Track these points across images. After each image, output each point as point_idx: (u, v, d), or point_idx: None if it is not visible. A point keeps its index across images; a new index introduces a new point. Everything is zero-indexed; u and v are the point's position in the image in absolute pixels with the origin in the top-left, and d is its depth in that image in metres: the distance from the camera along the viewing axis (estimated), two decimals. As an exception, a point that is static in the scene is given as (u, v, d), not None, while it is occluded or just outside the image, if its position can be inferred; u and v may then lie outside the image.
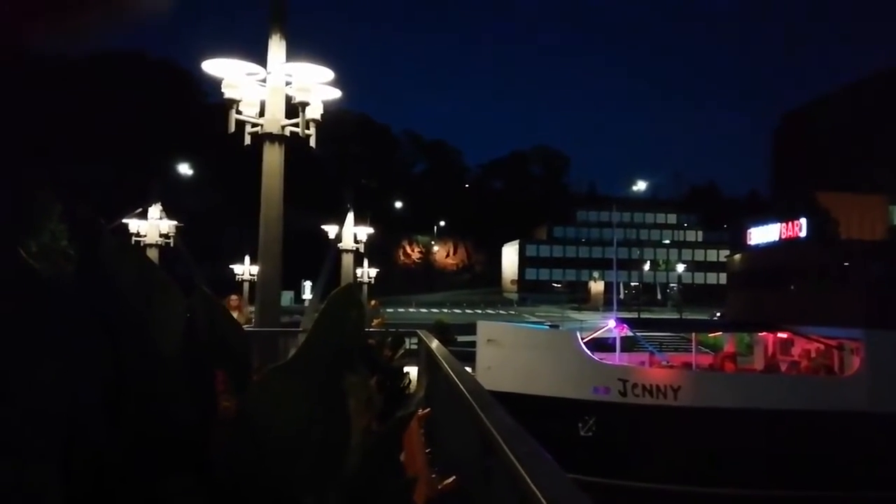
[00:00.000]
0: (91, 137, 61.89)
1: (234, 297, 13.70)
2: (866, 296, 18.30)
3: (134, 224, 18.42)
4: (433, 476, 2.83)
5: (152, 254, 17.50)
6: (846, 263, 19.37)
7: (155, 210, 18.39)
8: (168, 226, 18.68)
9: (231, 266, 34.80)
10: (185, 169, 40.91)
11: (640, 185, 77.46)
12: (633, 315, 51.43)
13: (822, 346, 19.26)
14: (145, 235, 18.21)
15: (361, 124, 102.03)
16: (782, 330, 20.07)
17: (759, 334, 22.01)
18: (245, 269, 33.40)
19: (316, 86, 7.72)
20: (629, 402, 17.27)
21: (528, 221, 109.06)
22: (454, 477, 2.71)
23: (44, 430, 0.93)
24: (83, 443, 0.95)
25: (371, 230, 21.67)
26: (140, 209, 18.32)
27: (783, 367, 20.36)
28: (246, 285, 33.07)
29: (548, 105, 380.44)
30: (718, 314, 39.73)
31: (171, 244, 18.58)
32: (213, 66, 7.58)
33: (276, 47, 7.91)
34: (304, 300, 51.12)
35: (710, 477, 16.23)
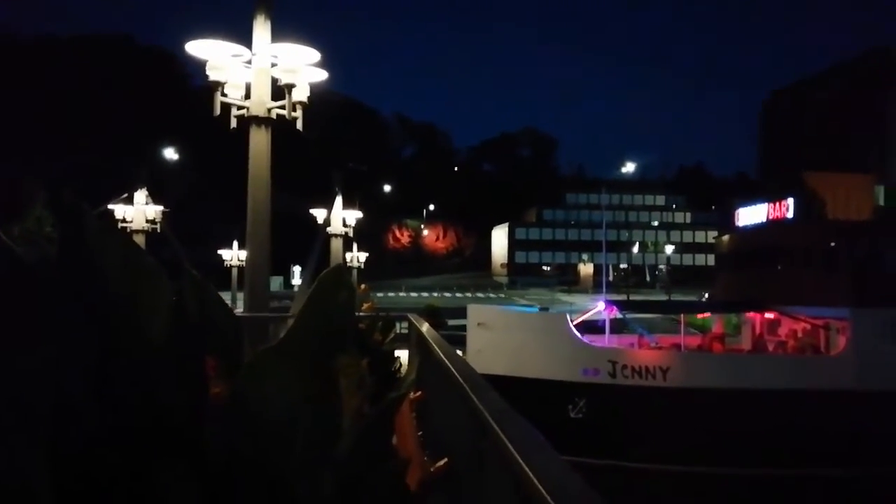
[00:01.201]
0: (77, 122, 61.10)
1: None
2: (852, 275, 18.49)
3: (120, 209, 18.26)
4: (425, 459, 2.84)
5: (139, 239, 17.37)
6: (832, 243, 19.53)
7: (141, 195, 18.24)
8: (154, 211, 18.54)
9: (219, 251, 34.62)
10: (171, 153, 40.52)
11: (629, 167, 77.66)
12: (623, 297, 51.71)
13: (808, 326, 19.47)
14: (132, 221, 18.06)
15: (349, 107, 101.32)
16: (769, 310, 20.25)
17: (747, 315, 22.21)
18: (233, 255, 33.25)
19: (302, 67, 7.63)
20: (619, 383, 17.41)
21: (518, 204, 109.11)
22: (446, 459, 2.71)
23: (30, 416, 0.91)
24: (70, 429, 0.93)
25: (360, 214, 21.57)
26: (126, 194, 18.16)
27: (770, 347, 20.58)
28: (234, 270, 32.95)
29: (536, 87, 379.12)
30: (707, 295, 40.03)
31: (158, 229, 18.45)
32: (196, 48, 7.47)
33: (262, 28, 7.80)
34: (294, 285, 51.01)
35: (700, 457, 16.44)
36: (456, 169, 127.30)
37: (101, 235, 1.01)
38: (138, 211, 18.18)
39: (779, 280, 20.36)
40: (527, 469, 1.44)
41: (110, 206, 17.87)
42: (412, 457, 2.78)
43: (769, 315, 20.87)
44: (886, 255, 19.14)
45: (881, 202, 22.82)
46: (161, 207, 18.78)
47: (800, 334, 20.06)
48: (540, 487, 1.32)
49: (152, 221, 18.42)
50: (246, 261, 8.79)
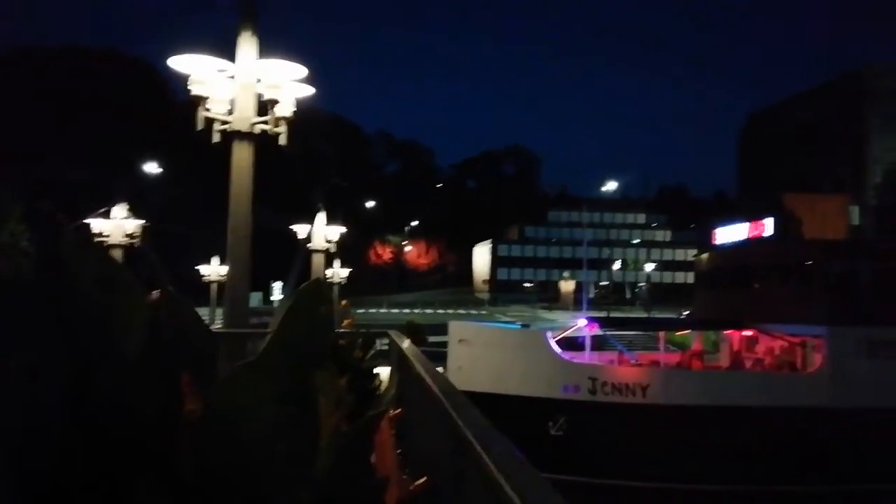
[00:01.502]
0: (57, 134, 60.46)
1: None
2: (828, 294, 18.75)
3: (98, 223, 18.02)
4: (404, 477, 2.82)
5: (116, 254, 17.15)
6: (809, 262, 19.81)
7: (120, 209, 18.02)
8: (134, 225, 18.31)
9: (199, 266, 34.26)
10: (152, 167, 40.20)
11: (611, 186, 78.27)
12: (603, 314, 51.93)
13: (785, 344, 19.67)
14: (109, 235, 17.82)
15: (333, 123, 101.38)
16: (748, 328, 20.45)
17: (726, 332, 22.40)
18: (213, 270, 32.90)
19: (287, 83, 7.63)
20: (599, 400, 17.43)
21: (501, 221, 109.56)
22: (425, 478, 2.69)
23: (1, 430, 0.89)
24: (43, 443, 0.92)
25: (342, 230, 21.51)
26: (105, 208, 17.94)
27: (748, 365, 20.75)
28: (214, 286, 32.60)
29: (520, 105, 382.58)
30: (686, 313, 40.35)
31: (137, 244, 18.22)
32: (179, 62, 7.45)
33: (247, 44, 7.80)
34: (274, 301, 50.60)
35: (679, 473, 16.46)
36: (439, 186, 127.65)
37: (78, 249, 1.00)
38: (117, 225, 17.95)
39: (757, 298, 20.58)
40: (507, 488, 1.42)
41: (88, 220, 17.65)
42: (391, 475, 2.76)
43: (747, 332, 21.07)
44: (861, 273, 19.46)
45: (856, 222, 23.25)
46: (141, 221, 18.56)
47: (777, 352, 20.27)
48: (520, 506, 1.31)
49: (131, 236, 18.19)
50: (226, 276, 8.72)
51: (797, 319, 18.74)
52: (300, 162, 79.13)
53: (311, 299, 1.03)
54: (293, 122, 7.96)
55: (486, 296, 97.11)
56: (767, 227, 22.26)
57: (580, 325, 21.13)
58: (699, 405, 17.13)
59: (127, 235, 18.05)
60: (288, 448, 0.98)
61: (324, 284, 1.12)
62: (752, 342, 21.67)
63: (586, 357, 19.83)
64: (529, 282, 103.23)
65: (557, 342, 18.86)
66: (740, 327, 20.63)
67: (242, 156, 7.82)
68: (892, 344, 17.81)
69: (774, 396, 17.43)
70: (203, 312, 36.91)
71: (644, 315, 60.13)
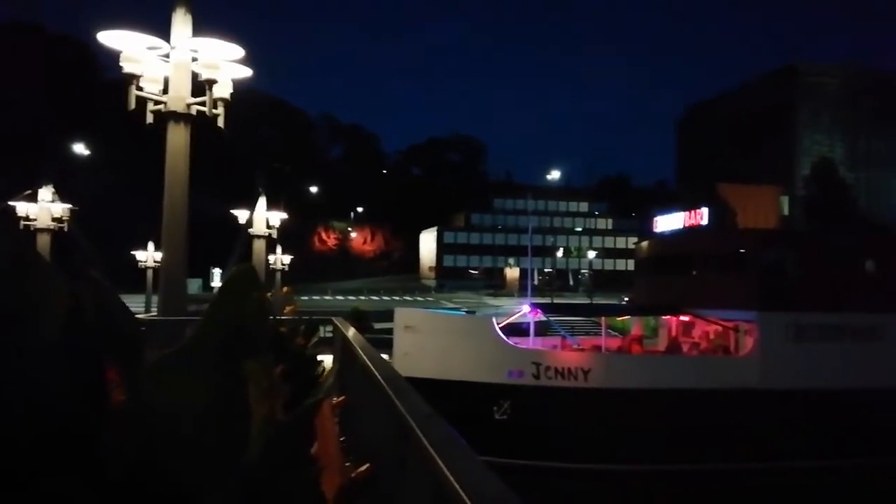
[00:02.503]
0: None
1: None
2: (759, 280, 19.54)
3: (23, 207, 17.16)
4: (347, 464, 2.79)
5: (44, 238, 16.38)
6: (742, 250, 20.58)
7: (46, 192, 17.19)
8: (61, 209, 17.51)
9: (134, 252, 33.14)
10: (82, 149, 38.44)
11: (554, 175, 79.50)
12: (547, 300, 52.82)
13: (719, 328, 20.43)
14: (36, 219, 17.00)
15: (275, 106, 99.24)
16: (685, 313, 21.13)
17: (664, 318, 23.10)
18: (148, 256, 31.88)
19: (224, 63, 7.37)
20: (542, 384, 17.73)
21: (446, 208, 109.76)
22: (368, 465, 2.67)
23: None
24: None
25: (284, 215, 21.12)
26: (30, 191, 17.09)
27: (685, 349, 21.47)
28: (150, 272, 31.61)
29: (464, 93, 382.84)
30: (626, 299, 41.42)
31: (66, 228, 17.44)
32: (109, 38, 7.10)
33: (181, 22, 7.51)
34: (214, 288, 49.45)
35: (620, 454, 16.96)
36: (385, 172, 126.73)
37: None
38: (43, 209, 17.13)
39: (693, 284, 21.27)
40: (446, 472, 1.43)
41: (11, 203, 16.77)
42: (334, 463, 2.73)
43: (684, 318, 21.77)
44: (790, 261, 20.35)
45: (786, 212, 24.29)
46: (69, 206, 17.75)
47: (712, 336, 21.03)
48: (459, 490, 1.31)
49: (59, 220, 17.39)
50: (161, 262, 8.43)
51: (731, 305, 19.48)
52: (241, 146, 77.19)
53: (241, 284, 0.99)
54: (231, 104, 7.72)
55: (432, 282, 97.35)
56: (704, 216, 23.02)
57: (524, 311, 21.41)
58: (638, 388, 17.65)
59: (55, 220, 17.26)
60: (216, 438, 0.94)
61: (254, 269, 1.07)
62: (688, 327, 22.42)
63: (530, 342, 20.13)
64: (475, 269, 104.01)
65: (502, 328, 19.07)
66: (678, 313, 21.30)
67: (178, 138, 7.55)
68: (818, 328, 18.75)
69: (709, 379, 18.11)
70: (139, 300, 35.74)
71: (586, 301, 61.43)
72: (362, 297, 68.53)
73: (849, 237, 25.19)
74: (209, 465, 0.96)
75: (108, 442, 0.98)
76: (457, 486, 1.34)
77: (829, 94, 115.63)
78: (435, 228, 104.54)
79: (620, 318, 32.20)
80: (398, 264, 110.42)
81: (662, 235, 24.58)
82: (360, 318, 28.20)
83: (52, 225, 17.09)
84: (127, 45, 7.03)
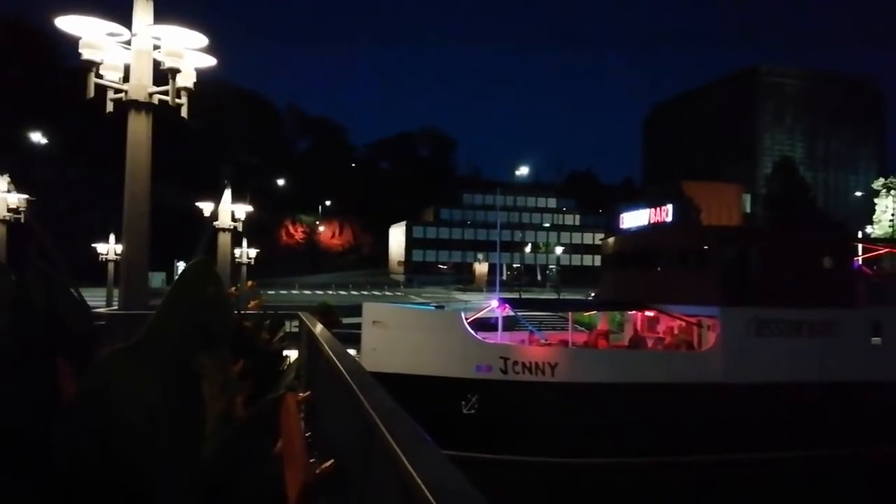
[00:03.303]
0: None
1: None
2: (722, 276, 19.95)
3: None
4: (311, 461, 2.76)
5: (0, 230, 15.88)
6: (705, 247, 20.97)
7: (2, 182, 16.68)
8: (17, 199, 17.00)
9: (94, 245, 32.35)
10: (38, 138, 37.31)
11: (523, 171, 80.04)
12: (515, 295, 53.15)
13: (683, 324, 20.80)
14: (-8, 211, 16.49)
15: (241, 96, 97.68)
16: (649, 308, 21.46)
17: (630, 313, 23.43)
18: (110, 249, 31.18)
19: (187, 51, 7.21)
20: (510, 379, 17.85)
21: (416, 203, 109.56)
22: (332, 461, 2.65)
23: None
24: None
25: (250, 208, 20.83)
26: None
27: (649, 344, 21.82)
28: (111, 265, 30.93)
29: (436, 87, 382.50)
30: (593, 294, 41.90)
31: (23, 220, 16.94)
32: (68, 24, 6.88)
33: (143, 8, 7.32)
34: (179, 282, 48.59)
35: (586, 448, 17.17)
36: (353, 166, 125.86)
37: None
38: (-1, 199, 16.63)
39: (658, 280, 21.61)
40: (409, 467, 1.42)
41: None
42: (298, 458, 2.69)
43: (649, 313, 22.12)
44: (752, 258, 20.80)
45: (748, 210, 24.81)
46: (25, 196, 17.24)
47: (676, 331, 21.40)
48: (422, 485, 1.31)
49: (15, 211, 16.89)
50: (122, 254, 8.23)
51: (694, 300, 19.84)
52: (206, 137, 75.82)
53: (196, 279, 0.95)
54: (195, 94, 7.56)
55: (401, 277, 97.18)
56: (669, 213, 23.40)
57: (493, 306, 21.51)
58: (604, 382, 17.89)
59: (11, 210, 16.75)
60: (168, 431, 0.91)
61: (211, 262, 1.03)
62: (653, 322, 22.79)
63: (498, 337, 20.24)
64: (444, 264, 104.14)
65: (470, 323, 19.13)
66: (643, 308, 21.62)
67: (139, 127, 7.37)
68: (778, 323, 19.22)
69: (673, 373, 18.44)
70: (101, 293, 34.90)
71: (554, 296, 61.99)
72: (330, 292, 68.07)
73: (808, 234, 25.87)
74: (160, 457, 0.92)
75: (58, 434, 0.94)
76: (419, 481, 1.34)
77: (789, 95, 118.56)
78: (404, 223, 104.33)
79: (587, 314, 32.58)
80: (367, 259, 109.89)
81: (628, 232, 24.90)
82: (328, 313, 28.03)
83: (7, 216, 16.59)
84: (86, 31, 6.83)
